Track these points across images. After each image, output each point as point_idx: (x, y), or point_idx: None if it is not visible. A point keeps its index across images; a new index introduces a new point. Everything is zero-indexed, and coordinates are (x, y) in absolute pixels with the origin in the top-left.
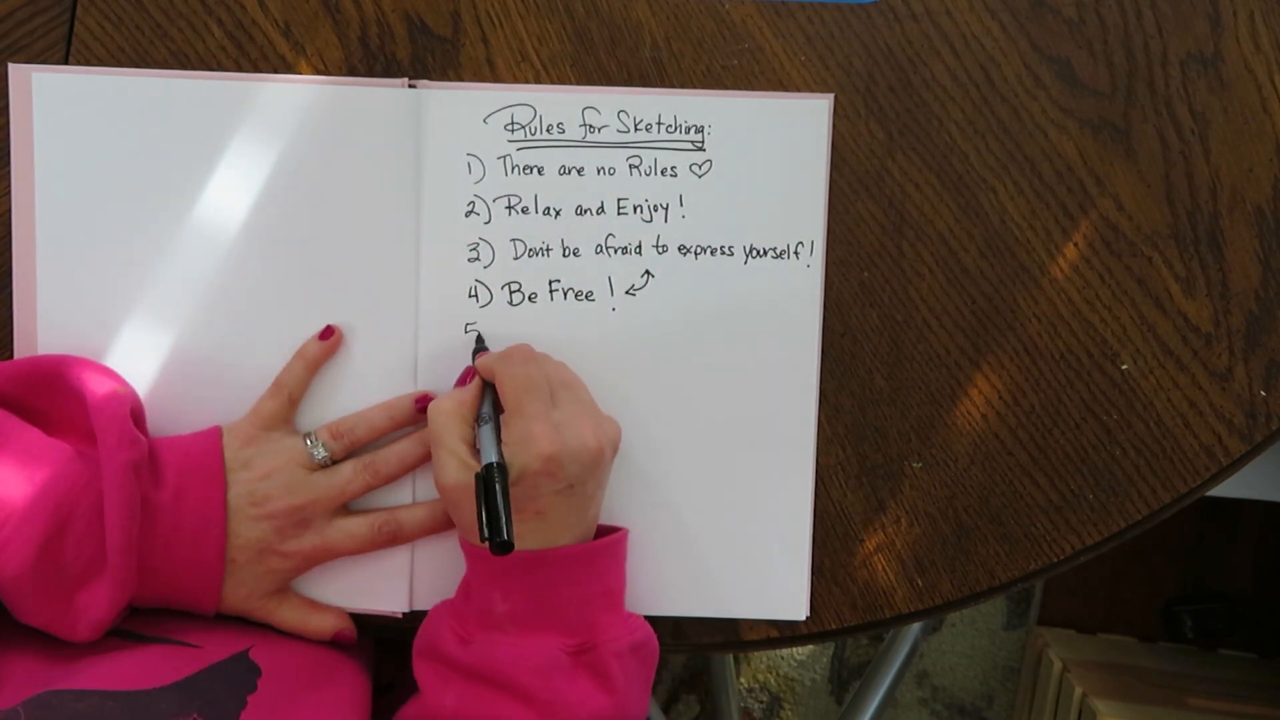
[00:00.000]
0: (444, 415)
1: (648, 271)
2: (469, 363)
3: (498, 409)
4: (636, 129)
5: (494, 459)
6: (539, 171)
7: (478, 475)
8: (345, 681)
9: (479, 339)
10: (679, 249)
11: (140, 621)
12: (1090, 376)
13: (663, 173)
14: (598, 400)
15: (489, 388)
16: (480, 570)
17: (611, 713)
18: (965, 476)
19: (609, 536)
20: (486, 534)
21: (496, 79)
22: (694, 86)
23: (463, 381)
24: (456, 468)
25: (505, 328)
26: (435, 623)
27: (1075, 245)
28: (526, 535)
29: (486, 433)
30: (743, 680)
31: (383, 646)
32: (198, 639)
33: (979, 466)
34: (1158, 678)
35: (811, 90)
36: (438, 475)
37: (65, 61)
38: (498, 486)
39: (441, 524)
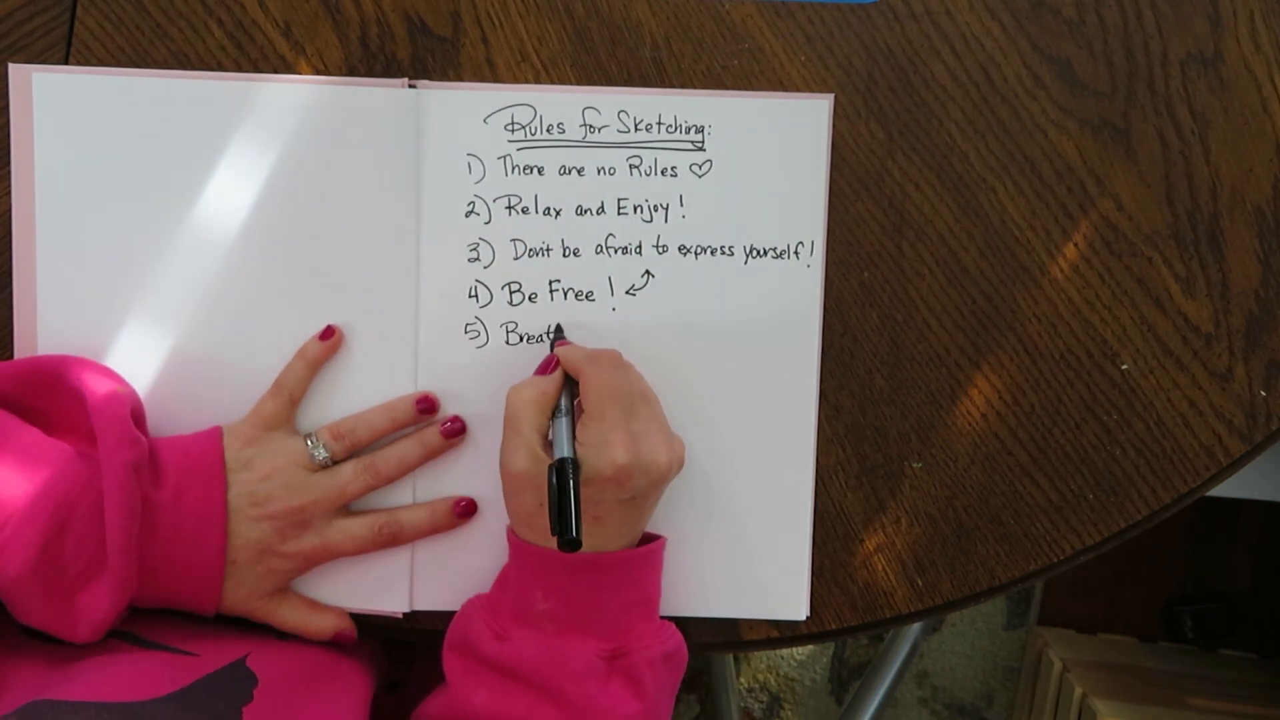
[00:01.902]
0: (525, 402)
1: (648, 271)
2: (520, 352)
3: (574, 405)
4: (636, 129)
5: (569, 454)
6: (539, 171)
7: (551, 468)
8: (343, 684)
9: (559, 329)
10: (679, 249)
11: (140, 624)
12: (1090, 376)
13: (663, 173)
14: None
15: (568, 382)
16: (524, 565)
17: (641, 719)
18: (965, 476)
19: (650, 544)
20: (557, 530)
21: (496, 79)
22: (694, 86)
23: (544, 370)
24: (527, 456)
25: (505, 328)
26: (469, 616)
27: (1075, 245)
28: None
29: (563, 427)
30: (743, 680)
31: (389, 646)
32: (195, 646)
33: (979, 466)
34: (1158, 678)
35: (811, 90)
36: (506, 460)
37: (65, 61)
38: (571, 483)
39: (441, 525)
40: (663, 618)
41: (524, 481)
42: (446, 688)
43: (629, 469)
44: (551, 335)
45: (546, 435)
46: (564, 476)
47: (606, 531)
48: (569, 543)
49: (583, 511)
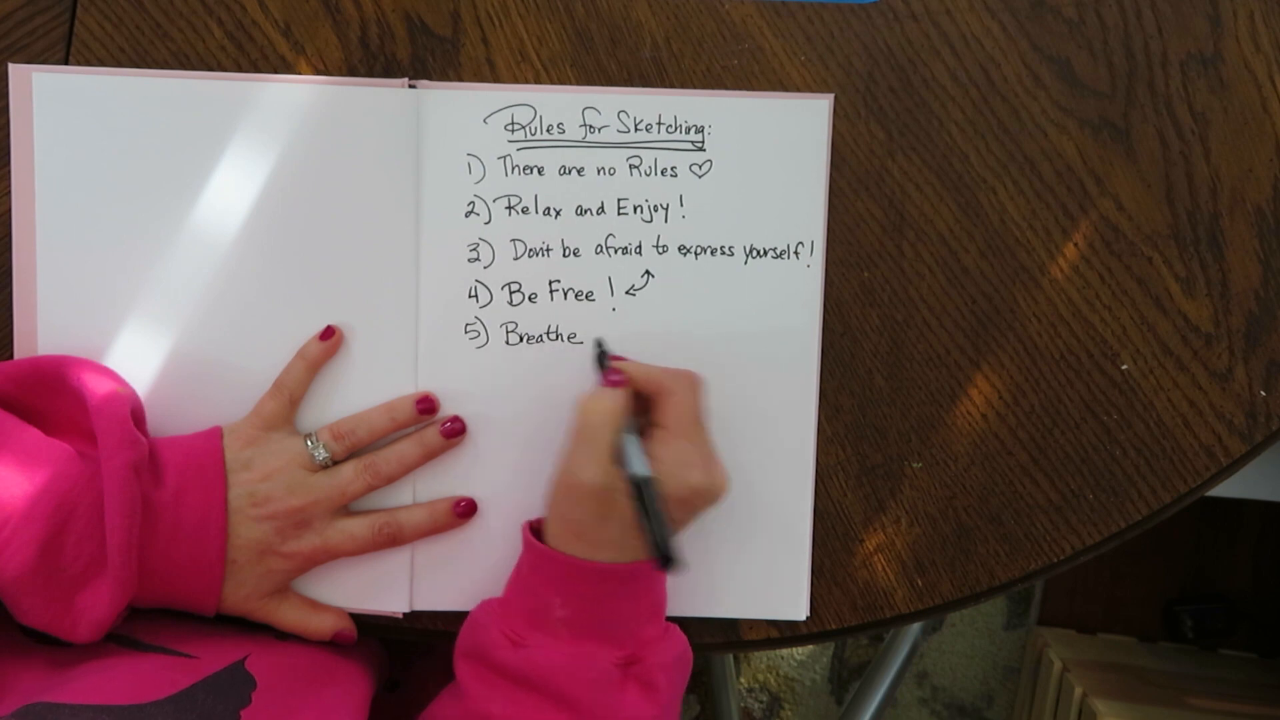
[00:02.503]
0: (602, 414)
1: (648, 272)
2: (553, 361)
3: (637, 422)
4: (636, 129)
5: (648, 473)
6: (539, 171)
7: (637, 484)
8: (342, 686)
9: (603, 344)
10: (679, 249)
11: (139, 626)
12: (1090, 376)
13: (663, 173)
14: None
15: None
16: (544, 570)
17: None
18: (965, 476)
19: None
20: (659, 554)
21: (496, 79)
22: (694, 86)
23: (614, 383)
24: (601, 470)
25: (505, 328)
26: (482, 622)
27: (1075, 245)
28: (607, 545)
29: (636, 443)
30: (743, 680)
31: (387, 646)
32: (194, 648)
33: (979, 466)
34: (1158, 678)
35: (811, 90)
36: (577, 470)
37: (65, 61)
38: (651, 501)
39: (441, 525)
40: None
41: (590, 494)
42: (460, 694)
43: (700, 491)
44: (598, 349)
45: (615, 450)
46: (651, 496)
47: (643, 546)
48: (670, 563)
49: (640, 523)
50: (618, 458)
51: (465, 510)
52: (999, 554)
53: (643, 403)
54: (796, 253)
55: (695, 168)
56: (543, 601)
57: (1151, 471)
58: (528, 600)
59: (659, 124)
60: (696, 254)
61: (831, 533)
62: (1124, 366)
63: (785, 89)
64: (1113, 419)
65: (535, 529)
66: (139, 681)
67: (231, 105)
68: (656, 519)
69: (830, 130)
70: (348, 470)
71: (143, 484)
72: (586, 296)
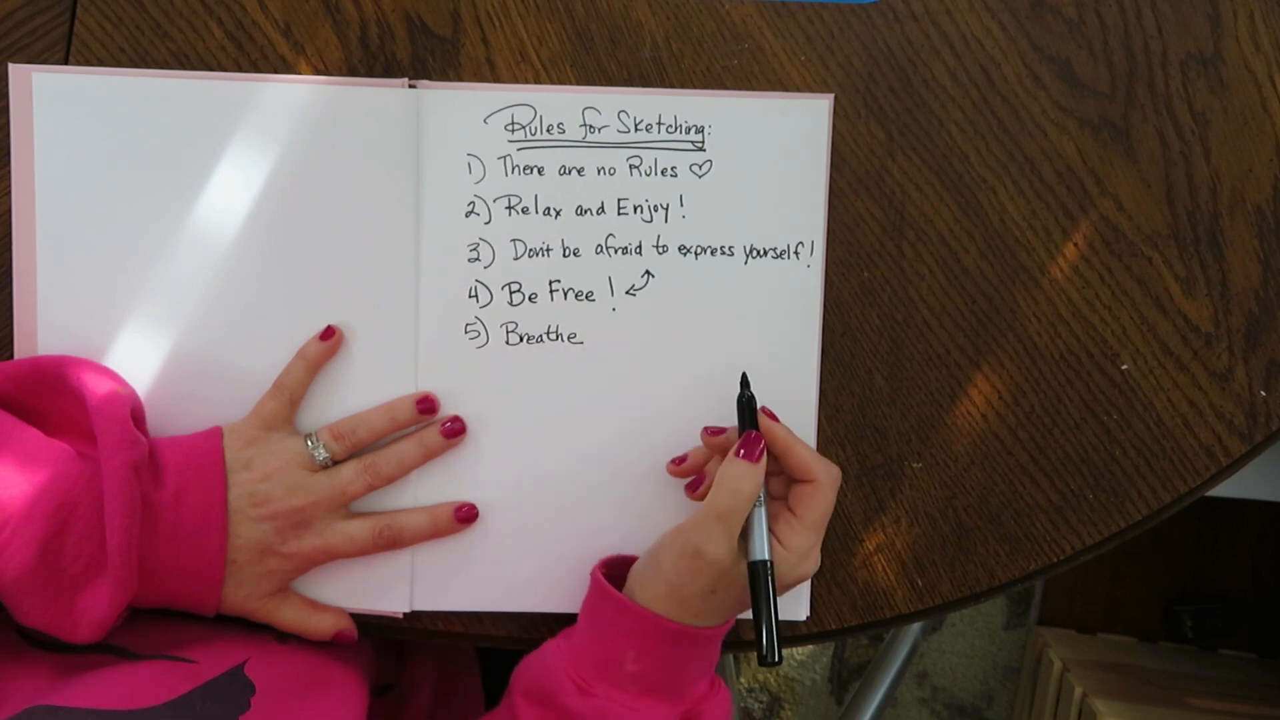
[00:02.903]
0: (745, 495)
1: (648, 271)
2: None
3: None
4: (636, 129)
5: (767, 556)
6: (539, 171)
7: (758, 572)
8: (341, 690)
9: (748, 385)
10: (679, 249)
11: (137, 638)
12: (1090, 376)
13: (663, 173)
14: (597, 396)
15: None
16: (621, 623)
17: None
18: (965, 476)
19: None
20: (765, 649)
21: (496, 79)
22: (694, 86)
23: (755, 455)
24: (730, 550)
25: (505, 328)
26: (549, 667)
27: (1075, 245)
28: (701, 613)
29: (762, 520)
30: (743, 680)
31: (380, 647)
32: (193, 653)
33: (979, 466)
34: (1158, 678)
35: (811, 90)
36: (704, 544)
37: (65, 61)
38: (773, 594)
39: (442, 530)
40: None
41: (714, 570)
42: None
43: (805, 579)
44: (744, 391)
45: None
46: (769, 587)
47: (726, 615)
48: (772, 664)
49: (742, 600)
50: (744, 530)
51: (466, 516)
52: (999, 554)
53: (771, 463)
54: (796, 253)
55: (695, 168)
56: (617, 653)
57: (1151, 471)
58: (601, 649)
59: (659, 124)
60: (696, 254)
61: (831, 533)
62: (1124, 366)
63: (785, 89)
64: (1113, 419)
65: (608, 574)
66: (138, 686)
67: (231, 105)
68: (769, 608)
69: (830, 130)
70: (348, 470)
71: (143, 484)
72: (586, 296)
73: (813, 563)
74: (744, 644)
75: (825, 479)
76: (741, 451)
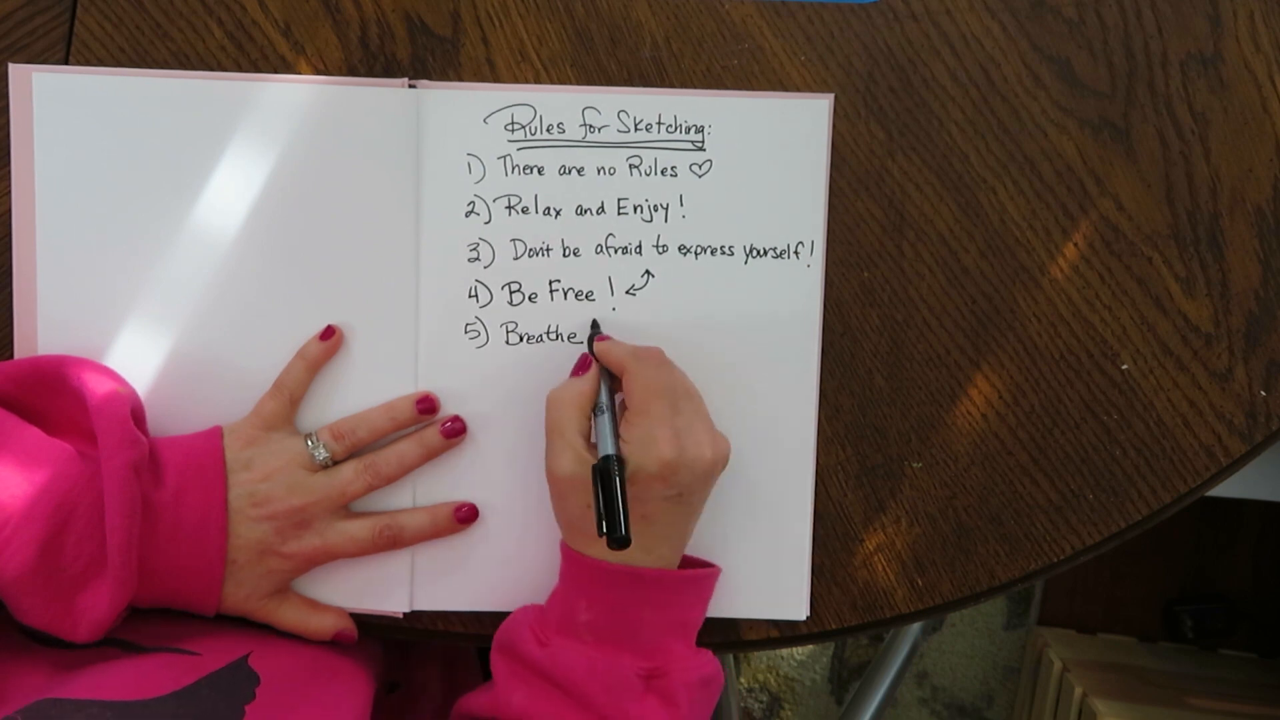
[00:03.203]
0: (564, 406)
1: (648, 271)
2: (578, 348)
3: (615, 402)
4: (636, 129)
5: (612, 451)
6: (539, 171)
7: (595, 467)
8: (345, 684)
9: (596, 325)
10: (679, 249)
11: (140, 631)
12: (1090, 376)
13: (663, 173)
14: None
15: (605, 377)
16: (571, 574)
17: None
18: (965, 476)
19: (701, 570)
20: (604, 528)
21: (496, 79)
22: (694, 86)
23: (580, 370)
24: (572, 459)
25: (505, 328)
26: (517, 621)
27: (1075, 245)
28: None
29: (605, 424)
30: (743, 680)
31: (386, 646)
32: (197, 645)
33: (979, 466)
34: (1158, 678)
35: (811, 90)
36: (551, 465)
37: (65, 61)
38: (616, 480)
39: (442, 530)
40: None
41: (570, 485)
42: (491, 685)
43: (674, 464)
44: (590, 332)
45: (589, 436)
46: (609, 474)
47: (655, 531)
48: (618, 540)
49: (631, 509)
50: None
51: (466, 516)
52: (999, 554)
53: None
54: (796, 253)
55: (695, 167)
56: (571, 605)
57: (1151, 471)
58: (559, 606)
59: (659, 124)
60: (697, 254)
61: (831, 533)
62: (1124, 366)
63: (785, 89)
64: (1113, 419)
65: None
66: (142, 678)
67: (231, 105)
68: (600, 496)
69: (830, 130)
70: (348, 470)
71: (143, 484)
72: (586, 296)
73: (667, 446)
74: (744, 644)
75: (634, 363)
76: (572, 372)
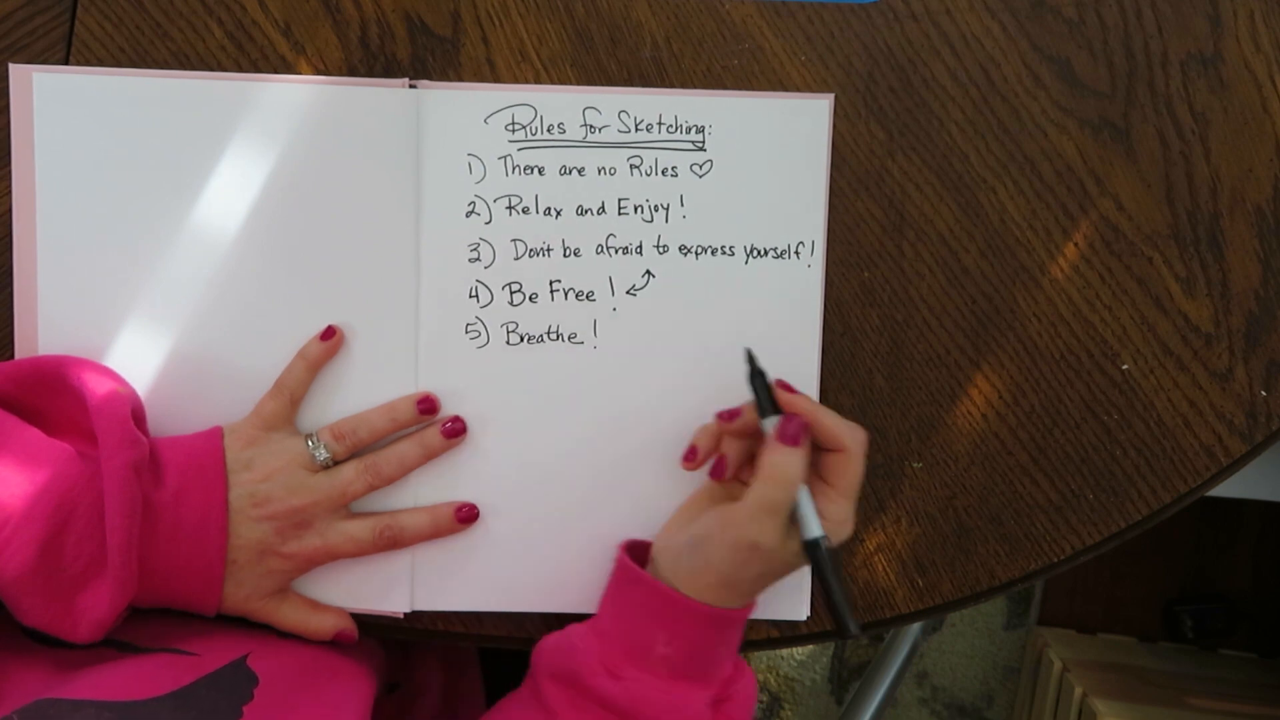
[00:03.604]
0: (795, 484)
1: (648, 271)
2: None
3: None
4: (637, 129)
5: (821, 534)
6: (539, 171)
7: (819, 552)
8: (345, 684)
9: (751, 356)
10: (679, 249)
11: (139, 632)
12: (1090, 376)
13: (663, 173)
14: (598, 396)
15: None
16: (651, 606)
17: None
18: (965, 476)
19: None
20: (840, 622)
21: (496, 79)
22: (694, 86)
23: (796, 435)
24: (781, 537)
25: (506, 328)
26: (577, 646)
27: (1075, 245)
28: (741, 595)
29: (809, 500)
30: None
31: (387, 646)
32: (196, 646)
33: (979, 466)
34: (1158, 678)
35: (811, 90)
36: (757, 535)
37: (65, 61)
38: (837, 568)
39: (443, 530)
40: None
41: (767, 556)
42: (547, 711)
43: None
44: (751, 366)
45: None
46: (837, 565)
47: (759, 590)
48: (848, 634)
49: (781, 573)
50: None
51: (467, 516)
52: (999, 554)
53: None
54: (797, 253)
55: (695, 168)
56: (647, 637)
57: (1151, 471)
58: (629, 633)
59: (659, 124)
60: (697, 254)
61: None
62: (1124, 366)
63: (785, 89)
64: (1113, 419)
65: (633, 556)
66: (141, 678)
67: (231, 105)
68: (838, 583)
69: (830, 130)
70: (348, 471)
71: (143, 484)
72: (587, 296)
73: (849, 528)
74: (744, 644)
75: (854, 446)
76: (783, 436)
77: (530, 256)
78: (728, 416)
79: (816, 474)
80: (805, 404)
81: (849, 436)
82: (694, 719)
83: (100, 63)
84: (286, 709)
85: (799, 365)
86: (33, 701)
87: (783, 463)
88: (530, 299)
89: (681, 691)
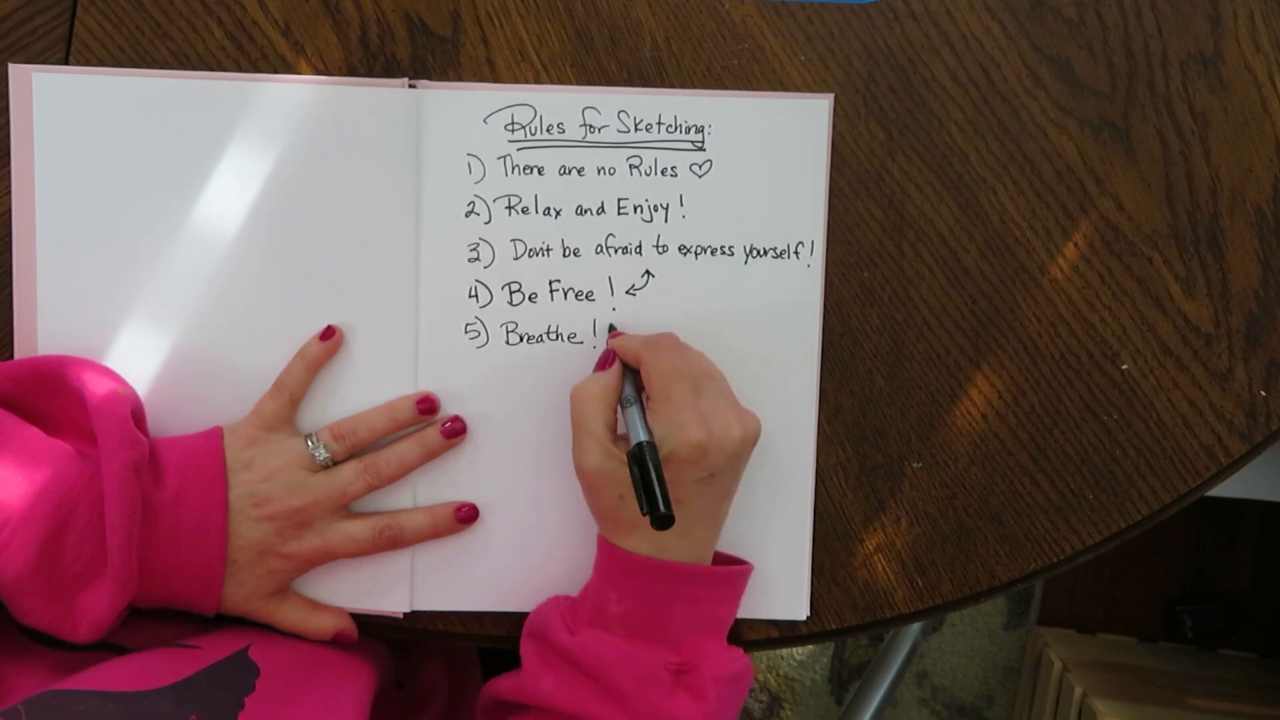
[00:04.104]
0: (589, 401)
1: (648, 271)
2: (585, 349)
3: (639, 393)
4: (636, 129)
5: (645, 438)
6: (539, 171)
7: (630, 452)
8: (345, 678)
9: (612, 326)
10: (679, 249)
11: (136, 635)
12: (1090, 376)
13: (663, 173)
14: None
15: (629, 372)
16: (604, 567)
17: None
18: (965, 476)
19: (734, 567)
20: (647, 508)
21: (496, 79)
22: (694, 86)
23: (603, 365)
24: (600, 453)
25: (505, 328)
26: (548, 609)
27: (1075, 245)
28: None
29: (634, 414)
30: None
31: (390, 644)
32: (197, 640)
33: (979, 466)
34: (1158, 678)
35: (811, 90)
36: (579, 460)
37: (65, 61)
38: (652, 464)
39: (442, 530)
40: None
41: (600, 477)
42: (520, 669)
43: (703, 445)
44: (607, 333)
45: (615, 429)
46: (643, 458)
47: (690, 514)
48: (662, 519)
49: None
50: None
51: (466, 516)
52: (999, 554)
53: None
54: (796, 253)
55: (695, 168)
56: (602, 597)
57: (1151, 471)
58: (592, 598)
59: (659, 124)
60: (696, 254)
61: (831, 533)
62: (1124, 366)
63: (785, 89)
64: (1113, 419)
65: None
66: (143, 670)
67: (231, 105)
68: (639, 480)
69: (830, 130)
70: (348, 470)
71: (143, 484)
72: (586, 296)
73: (695, 429)
74: (744, 644)
75: (649, 353)
76: (595, 368)
77: (530, 256)
78: (598, 368)
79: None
80: (621, 340)
81: (644, 346)
82: (646, 677)
83: (100, 63)
84: (287, 700)
85: (799, 365)
86: (38, 693)
87: (576, 385)
88: (530, 299)
89: (635, 649)
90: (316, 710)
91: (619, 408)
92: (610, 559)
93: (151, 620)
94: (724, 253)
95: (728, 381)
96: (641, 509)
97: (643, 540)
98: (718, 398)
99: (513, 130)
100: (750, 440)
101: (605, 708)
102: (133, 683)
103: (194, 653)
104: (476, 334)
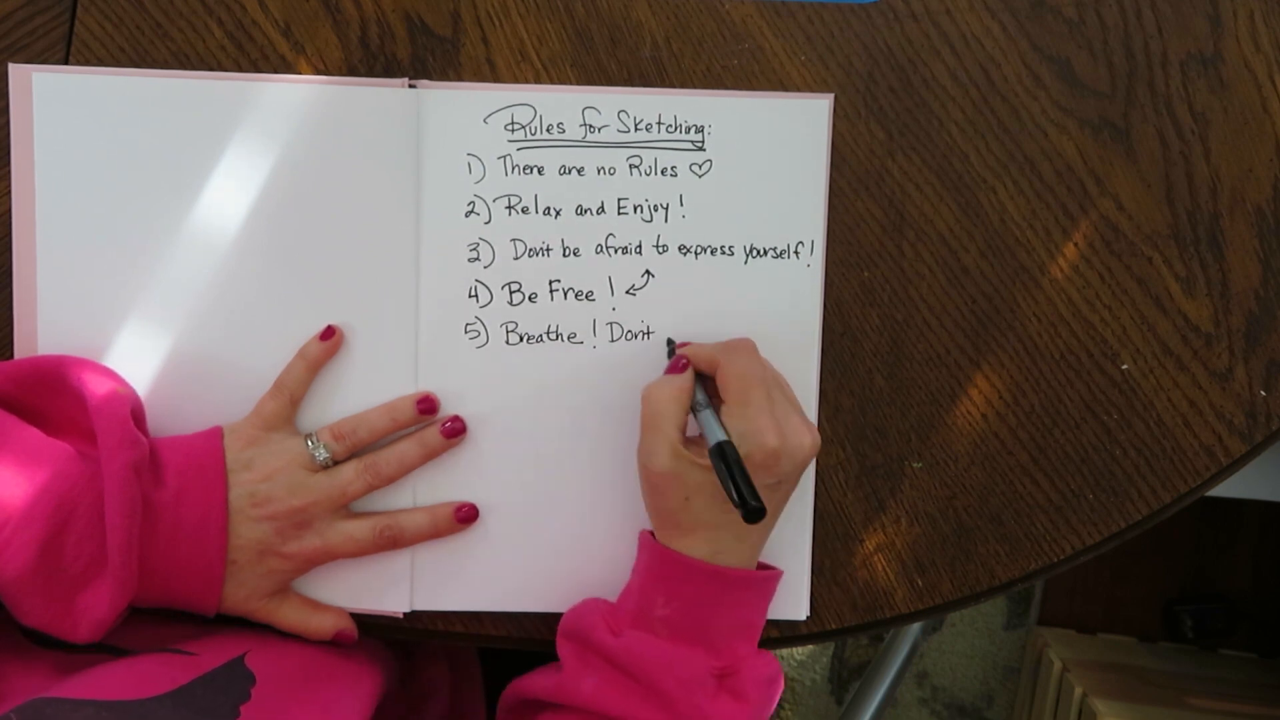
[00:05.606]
0: (666, 400)
1: (648, 271)
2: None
3: (712, 397)
4: (636, 129)
5: (724, 438)
6: (539, 171)
7: (712, 450)
8: (344, 683)
9: (671, 342)
10: (679, 249)
11: (136, 636)
12: (1090, 376)
13: (663, 173)
14: (598, 398)
15: (700, 376)
16: (653, 569)
17: None
18: (965, 476)
19: (773, 572)
20: (738, 502)
21: (496, 79)
22: (694, 86)
23: (675, 369)
24: (670, 454)
25: (505, 328)
26: (587, 610)
27: (1075, 245)
28: (726, 525)
29: (710, 416)
30: None
31: (391, 646)
32: (194, 646)
33: (979, 466)
34: (1158, 678)
35: (811, 90)
36: (647, 459)
37: (65, 61)
38: (738, 459)
39: (442, 530)
40: None
41: (667, 479)
42: (556, 668)
43: (778, 452)
44: (669, 346)
45: (685, 431)
46: (727, 456)
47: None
48: (754, 511)
49: (720, 502)
50: (693, 440)
51: (466, 516)
52: (999, 554)
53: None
54: (796, 253)
55: (695, 167)
56: (648, 599)
57: (1151, 471)
58: (635, 599)
59: (659, 124)
60: (696, 254)
61: (831, 533)
62: (1124, 366)
63: (785, 89)
64: (1113, 419)
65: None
66: (140, 678)
67: (231, 105)
68: (733, 474)
69: (830, 130)
70: (348, 470)
71: (143, 484)
72: (586, 296)
73: (771, 435)
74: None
75: (726, 356)
76: (666, 371)
77: (530, 256)
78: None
79: (719, 397)
80: (693, 347)
81: (720, 350)
82: (692, 680)
83: (100, 63)
84: (284, 708)
85: (799, 365)
86: (30, 700)
87: (649, 386)
88: (530, 299)
89: (680, 652)
90: (314, 716)
91: (691, 411)
92: (660, 561)
93: (151, 620)
94: (724, 253)
95: (794, 392)
96: (732, 502)
97: (701, 543)
98: (789, 406)
99: (513, 130)
100: (814, 452)
101: (649, 710)
102: (128, 690)
103: (190, 660)
104: (476, 334)
